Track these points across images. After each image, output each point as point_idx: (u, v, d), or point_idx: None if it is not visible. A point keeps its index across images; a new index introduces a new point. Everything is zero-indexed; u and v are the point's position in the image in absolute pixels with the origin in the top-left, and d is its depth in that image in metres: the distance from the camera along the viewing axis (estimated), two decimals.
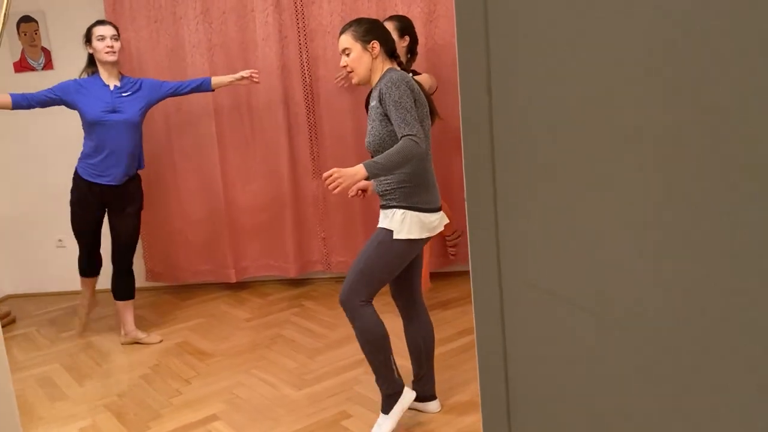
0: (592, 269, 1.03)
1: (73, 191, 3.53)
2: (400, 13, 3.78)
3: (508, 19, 0.94)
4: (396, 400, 2.52)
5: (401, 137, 2.28)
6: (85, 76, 3.49)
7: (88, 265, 3.70)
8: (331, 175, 2.29)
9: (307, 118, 4.22)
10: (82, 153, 3.49)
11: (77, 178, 3.49)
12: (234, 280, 4.41)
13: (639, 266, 1.03)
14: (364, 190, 2.65)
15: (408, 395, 2.55)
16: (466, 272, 4.33)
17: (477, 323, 1.10)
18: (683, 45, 0.68)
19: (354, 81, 2.55)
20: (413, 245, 2.44)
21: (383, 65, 2.49)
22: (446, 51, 4.00)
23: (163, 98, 3.65)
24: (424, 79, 3.11)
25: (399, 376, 2.54)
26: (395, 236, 2.39)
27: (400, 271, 2.49)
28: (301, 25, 4.13)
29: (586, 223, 1.02)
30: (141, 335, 3.70)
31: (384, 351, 2.47)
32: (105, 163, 3.44)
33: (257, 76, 3.76)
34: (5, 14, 1.51)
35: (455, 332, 3.47)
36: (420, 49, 3.65)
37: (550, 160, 1.03)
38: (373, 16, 3.88)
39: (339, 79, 3.98)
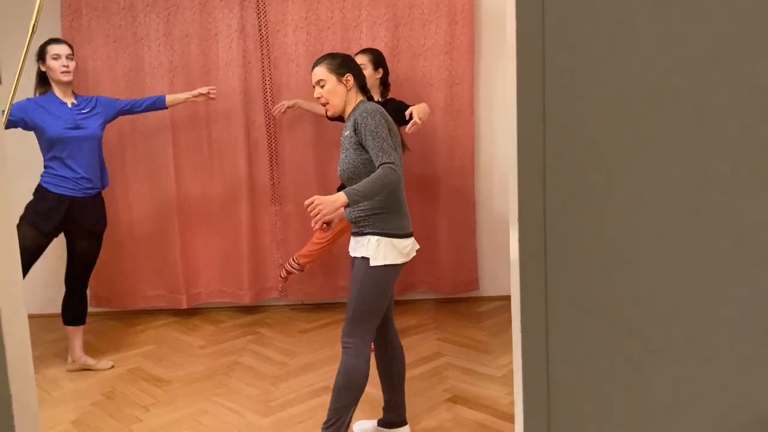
0: (632, 292, 1.12)
1: (36, 201, 3.31)
2: (365, 47, 3.86)
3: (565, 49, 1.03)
4: None
5: (379, 165, 2.32)
6: (38, 94, 3.37)
7: None
8: (312, 203, 2.32)
9: (268, 143, 4.22)
10: (45, 170, 3.34)
11: (45, 192, 3.31)
12: (185, 306, 4.30)
13: (675, 291, 1.12)
14: (327, 223, 2.66)
15: None
16: (425, 300, 4.41)
17: (523, 338, 1.16)
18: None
19: (329, 113, 2.58)
20: (392, 270, 2.47)
21: (356, 97, 2.54)
22: (408, 84, 4.12)
23: (117, 116, 3.57)
24: (422, 107, 3.20)
25: None
26: (372, 263, 2.42)
27: (390, 296, 2.52)
28: (265, 52, 4.16)
29: (630, 250, 1.11)
30: (91, 361, 3.54)
31: (353, 399, 2.47)
32: (72, 178, 3.32)
33: (215, 92, 3.75)
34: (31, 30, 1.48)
35: (417, 359, 3.51)
36: None
37: (597, 187, 1.11)
38: (338, 48, 3.96)
39: (277, 112, 3.98)
